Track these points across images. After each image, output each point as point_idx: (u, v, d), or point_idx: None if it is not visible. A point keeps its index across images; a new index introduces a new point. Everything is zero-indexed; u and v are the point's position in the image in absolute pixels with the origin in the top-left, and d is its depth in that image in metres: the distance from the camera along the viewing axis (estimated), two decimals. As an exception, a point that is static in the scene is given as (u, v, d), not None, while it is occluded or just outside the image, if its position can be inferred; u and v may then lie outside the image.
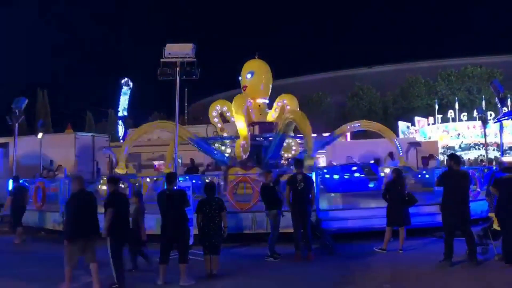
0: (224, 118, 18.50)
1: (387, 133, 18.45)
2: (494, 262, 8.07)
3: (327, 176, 15.15)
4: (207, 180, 11.83)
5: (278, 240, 9.43)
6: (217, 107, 18.05)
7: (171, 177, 8.00)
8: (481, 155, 34.47)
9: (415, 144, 20.81)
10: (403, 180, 10.05)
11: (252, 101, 17.45)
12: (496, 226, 8.60)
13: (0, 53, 69.77)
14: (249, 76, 17.48)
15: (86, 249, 7.16)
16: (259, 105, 17.43)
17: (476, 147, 33.65)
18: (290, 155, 17.68)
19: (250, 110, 17.50)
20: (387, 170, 14.55)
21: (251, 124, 17.45)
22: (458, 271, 7.90)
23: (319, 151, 20.98)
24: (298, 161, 9.99)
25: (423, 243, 10.34)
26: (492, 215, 9.05)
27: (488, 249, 8.52)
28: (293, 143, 17.96)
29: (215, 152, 17.38)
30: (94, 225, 7.24)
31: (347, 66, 67.98)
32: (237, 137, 16.94)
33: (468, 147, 36.46)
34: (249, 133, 16.67)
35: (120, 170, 15.50)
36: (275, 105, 17.84)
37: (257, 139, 17.05)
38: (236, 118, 16.53)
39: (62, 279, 7.83)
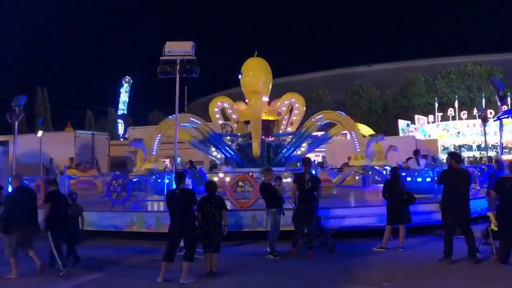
0: (225, 116, 18.48)
1: (350, 125, 16.80)
2: (493, 261, 8.07)
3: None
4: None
5: (278, 238, 9.45)
6: (219, 104, 17.99)
7: (180, 177, 8.01)
8: (480, 152, 34.46)
9: (376, 138, 18.63)
10: (400, 179, 10.06)
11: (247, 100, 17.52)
12: (493, 226, 8.60)
13: (0, 51, 69.77)
14: (240, 76, 17.59)
15: (23, 241, 8.03)
16: None
17: (495, 149, 33.53)
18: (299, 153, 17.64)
19: (230, 111, 17.60)
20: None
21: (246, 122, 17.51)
22: (458, 269, 7.90)
23: (315, 149, 20.93)
24: (306, 161, 9.96)
25: (423, 241, 10.35)
26: (490, 214, 9.04)
27: (494, 248, 8.47)
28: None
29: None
30: (31, 219, 8.13)
31: (347, 64, 68.05)
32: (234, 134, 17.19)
33: (486, 148, 36.22)
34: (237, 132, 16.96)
35: (148, 165, 15.31)
36: (281, 102, 17.76)
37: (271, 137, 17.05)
38: (252, 116, 16.50)
39: (60, 276, 7.90)
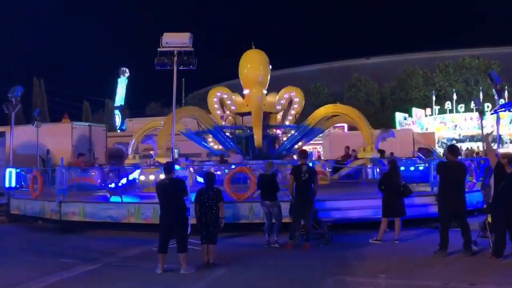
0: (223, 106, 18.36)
1: (355, 118, 16.58)
2: (489, 254, 8.11)
3: None
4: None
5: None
6: (218, 94, 17.84)
7: (168, 167, 8.01)
8: (477, 146, 34.53)
9: (386, 133, 18.93)
10: (398, 171, 10.09)
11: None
12: (490, 218, 8.63)
13: (-4, 42, 69.24)
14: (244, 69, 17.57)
15: None
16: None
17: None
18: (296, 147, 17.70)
19: (229, 102, 17.59)
20: None
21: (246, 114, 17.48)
22: (453, 261, 7.95)
23: (312, 142, 21.02)
24: (303, 153, 9.97)
25: (419, 234, 10.40)
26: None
27: (490, 241, 8.52)
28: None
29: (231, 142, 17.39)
30: None
31: (345, 57, 67.92)
32: (240, 126, 17.08)
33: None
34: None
35: (161, 159, 15.23)
36: (280, 95, 17.74)
37: (268, 130, 17.03)
38: (253, 106, 16.45)
39: (58, 268, 7.93)
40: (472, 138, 28.22)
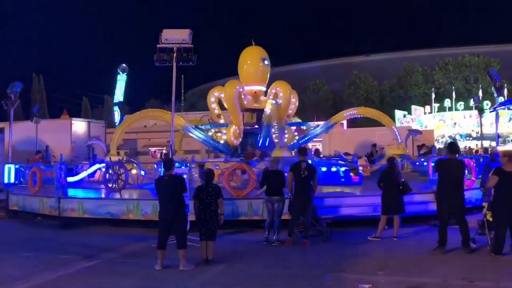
0: (222, 105, 18.40)
1: (385, 120, 18.37)
2: (487, 252, 8.13)
3: None
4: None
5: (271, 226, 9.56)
6: (215, 93, 17.99)
7: (168, 163, 8.01)
8: (476, 145, 34.59)
9: (415, 132, 20.10)
10: (397, 169, 10.09)
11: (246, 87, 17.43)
12: (489, 216, 8.64)
13: (-5, 37, 69.16)
14: (265, 62, 17.55)
15: None
16: (255, 92, 17.38)
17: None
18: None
19: (243, 96, 17.47)
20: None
21: (245, 110, 17.44)
22: (451, 258, 7.97)
23: (314, 139, 21.09)
24: (302, 149, 9.97)
25: (418, 231, 10.43)
26: (485, 205, 9.08)
27: (489, 239, 8.52)
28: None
29: (210, 140, 17.40)
30: None
31: (345, 54, 67.88)
32: (224, 124, 17.11)
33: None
34: (242, 120, 16.76)
35: (112, 157, 15.59)
36: (268, 92, 17.78)
37: (247, 127, 17.08)
38: (227, 104, 16.61)
39: (57, 264, 7.93)
40: (488, 136, 27.99)
